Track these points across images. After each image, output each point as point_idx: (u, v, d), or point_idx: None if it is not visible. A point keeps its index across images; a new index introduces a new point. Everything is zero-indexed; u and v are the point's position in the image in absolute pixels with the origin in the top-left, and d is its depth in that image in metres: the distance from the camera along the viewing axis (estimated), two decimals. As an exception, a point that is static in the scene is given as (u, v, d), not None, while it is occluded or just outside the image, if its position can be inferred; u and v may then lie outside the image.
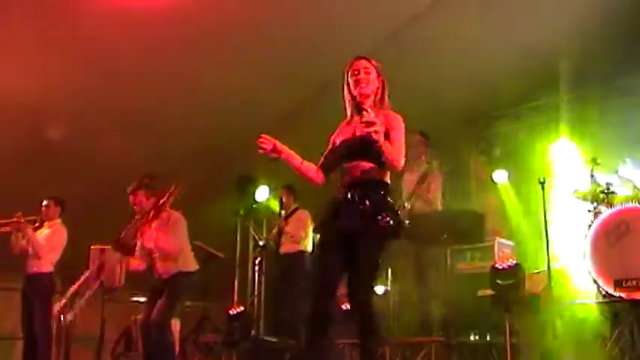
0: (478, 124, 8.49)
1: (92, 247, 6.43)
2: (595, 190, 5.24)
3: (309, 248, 7.20)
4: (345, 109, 3.72)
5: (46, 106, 6.92)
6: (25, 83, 6.68)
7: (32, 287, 6.40)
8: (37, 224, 6.61)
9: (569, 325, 4.96)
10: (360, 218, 3.42)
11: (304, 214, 7.32)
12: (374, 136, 3.27)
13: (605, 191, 5.20)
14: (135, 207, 5.55)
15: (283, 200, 7.57)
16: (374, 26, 6.37)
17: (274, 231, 7.49)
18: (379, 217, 3.41)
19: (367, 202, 3.45)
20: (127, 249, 5.52)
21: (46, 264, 6.40)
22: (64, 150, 7.37)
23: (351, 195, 3.49)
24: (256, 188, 8.09)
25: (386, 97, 3.67)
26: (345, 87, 3.69)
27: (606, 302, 4.74)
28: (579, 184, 5.39)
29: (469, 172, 8.45)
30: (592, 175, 5.30)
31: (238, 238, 8.51)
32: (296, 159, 3.63)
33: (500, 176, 7.32)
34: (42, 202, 6.63)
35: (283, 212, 7.52)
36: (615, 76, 7.06)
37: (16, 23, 6.05)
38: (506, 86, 7.65)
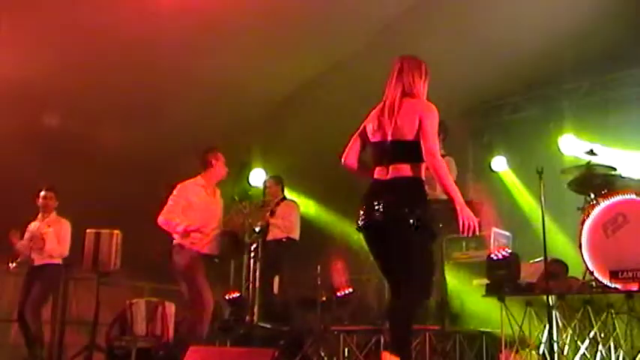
0: (476, 114, 8.46)
1: (88, 230, 6.41)
2: (592, 181, 5.23)
3: (297, 236, 7.20)
4: None
5: (46, 95, 6.91)
6: (24, 73, 6.66)
7: (40, 274, 6.42)
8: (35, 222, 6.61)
9: (565, 315, 4.98)
10: None
11: (292, 204, 7.35)
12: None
13: (603, 182, 5.19)
14: None
15: (270, 190, 7.56)
16: (374, 12, 6.34)
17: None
18: None
19: None
20: None
21: (58, 258, 6.55)
22: (63, 138, 7.36)
23: None
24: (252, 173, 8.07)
25: None
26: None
27: (601, 293, 4.74)
28: (577, 175, 5.37)
29: (466, 162, 8.43)
30: (590, 166, 5.28)
31: (234, 224, 8.48)
32: None
33: (498, 164, 7.28)
34: (40, 192, 6.63)
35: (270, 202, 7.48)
36: (617, 67, 7.04)
37: (16, 13, 6.03)
38: (506, 76, 7.63)
